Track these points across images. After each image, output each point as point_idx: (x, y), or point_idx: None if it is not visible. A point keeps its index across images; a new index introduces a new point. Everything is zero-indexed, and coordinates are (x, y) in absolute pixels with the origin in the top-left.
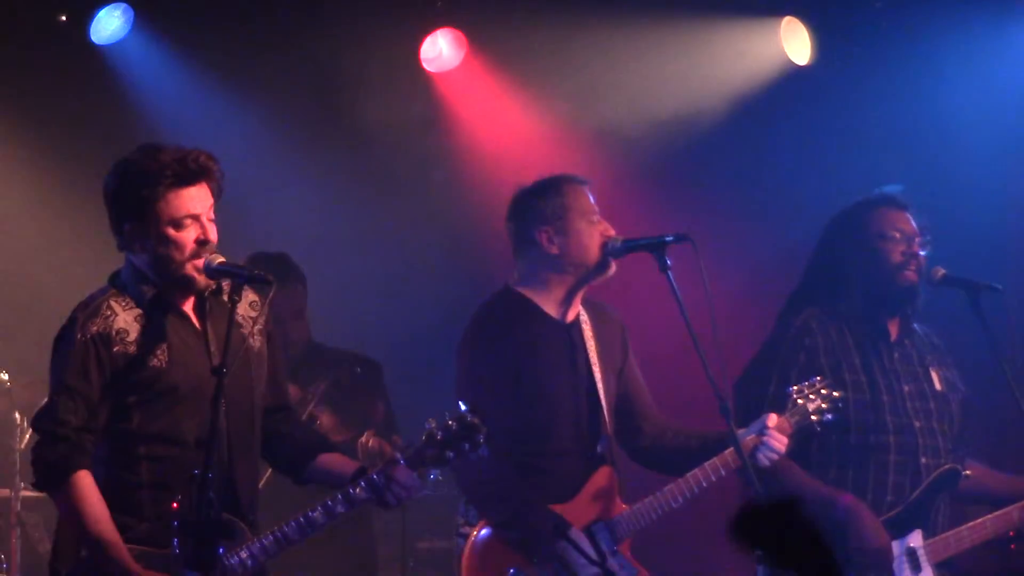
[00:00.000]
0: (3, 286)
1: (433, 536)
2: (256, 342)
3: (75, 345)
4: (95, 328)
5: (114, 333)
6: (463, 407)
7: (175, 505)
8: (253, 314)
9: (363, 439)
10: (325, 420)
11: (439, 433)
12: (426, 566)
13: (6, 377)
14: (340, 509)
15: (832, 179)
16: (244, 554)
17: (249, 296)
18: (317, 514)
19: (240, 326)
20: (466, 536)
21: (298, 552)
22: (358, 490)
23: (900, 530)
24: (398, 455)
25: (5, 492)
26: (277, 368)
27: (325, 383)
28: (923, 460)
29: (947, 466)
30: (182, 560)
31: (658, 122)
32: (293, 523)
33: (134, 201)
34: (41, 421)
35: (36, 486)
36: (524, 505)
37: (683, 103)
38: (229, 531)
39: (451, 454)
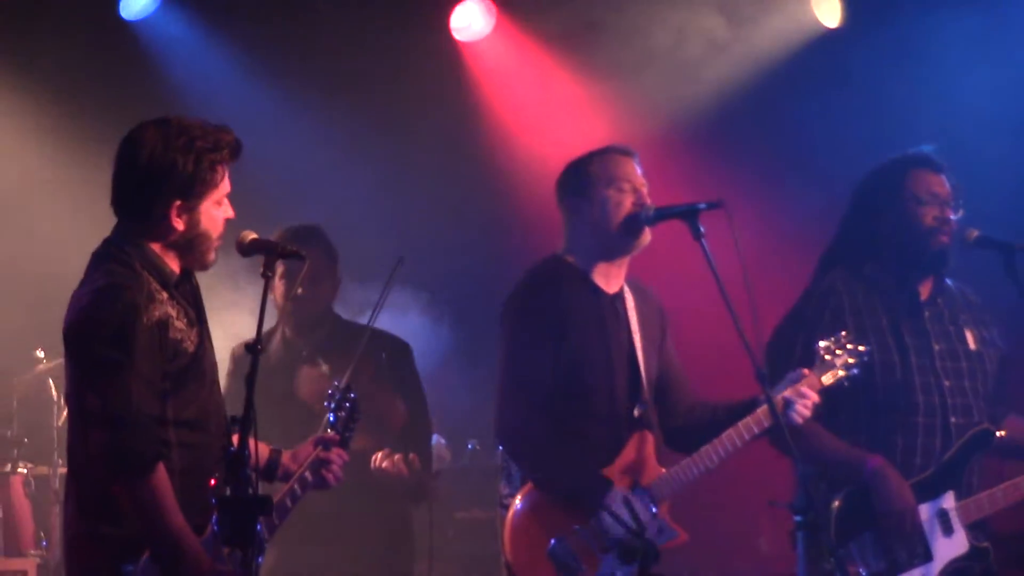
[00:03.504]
0: (36, 263)
1: (471, 506)
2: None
3: (141, 329)
4: (157, 314)
5: (169, 319)
6: (337, 384)
7: (213, 482)
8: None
9: (374, 460)
10: None
11: (342, 414)
12: (464, 536)
13: (42, 355)
14: (300, 493)
15: (864, 141)
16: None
17: (194, 281)
18: (287, 500)
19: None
20: (508, 507)
21: (332, 524)
22: (307, 474)
23: (931, 492)
24: (320, 446)
25: (44, 470)
26: None
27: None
28: (953, 420)
29: (979, 427)
30: (222, 538)
31: (689, 88)
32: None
33: (198, 174)
34: (116, 407)
35: (115, 474)
36: (567, 463)
37: (713, 68)
38: (267, 507)
39: (350, 434)
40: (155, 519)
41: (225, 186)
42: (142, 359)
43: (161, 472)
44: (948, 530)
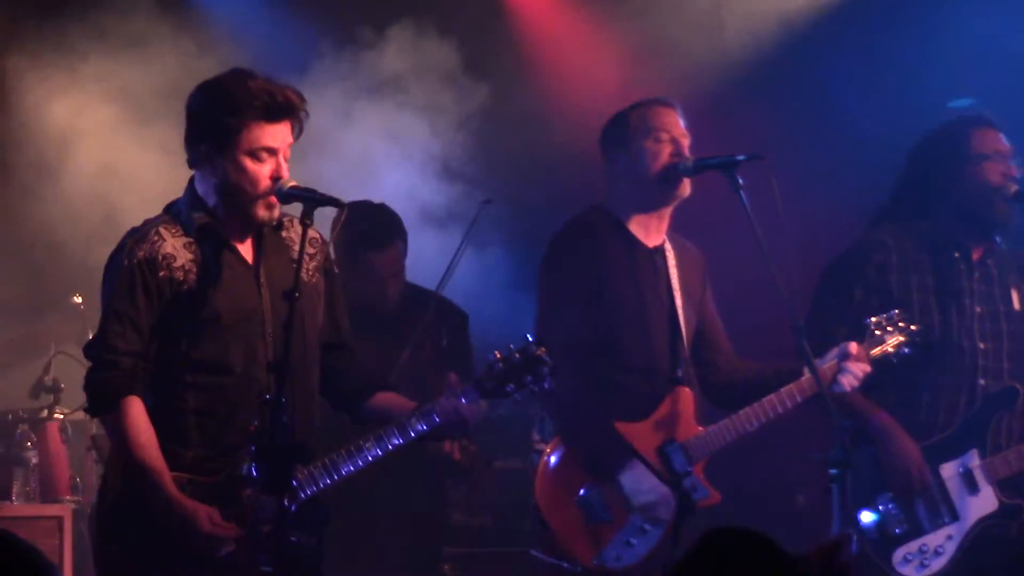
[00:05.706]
0: (81, 207)
1: (507, 455)
2: (312, 278)
3: (121, 270)
4: (141, 253)
5: (160, 258)
6: (530, 339)
7: (252, 428)
8: (311, 251)
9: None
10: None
11: (500, 365)
12: (501, 485)
13: (80, 300)
14: (394, 440)
15: (902, 94)
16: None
17: (311, 234)
18: (369, 444)
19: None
20: (541, 453)
21: (364, 491)
22: (412, 421)
23: (954, 451)
24: (458, 392)
25: (80, 415)
26: (336, 306)
27: (408, 351)
28: (981, 382)
29: (1002, 386)
30: (259, 483)
31: (724, 44)
32: (343, 451)
33: (216, 124)
34: (91, 348)
35: (88, 412)
36: (592, 424)
37: (752, 20)
38: (302, 455)
39: (511, 387)
40: (125, 453)
41: (257, 140)
42: (117, 296)
43: (129, 407)
44: (974, 488)
